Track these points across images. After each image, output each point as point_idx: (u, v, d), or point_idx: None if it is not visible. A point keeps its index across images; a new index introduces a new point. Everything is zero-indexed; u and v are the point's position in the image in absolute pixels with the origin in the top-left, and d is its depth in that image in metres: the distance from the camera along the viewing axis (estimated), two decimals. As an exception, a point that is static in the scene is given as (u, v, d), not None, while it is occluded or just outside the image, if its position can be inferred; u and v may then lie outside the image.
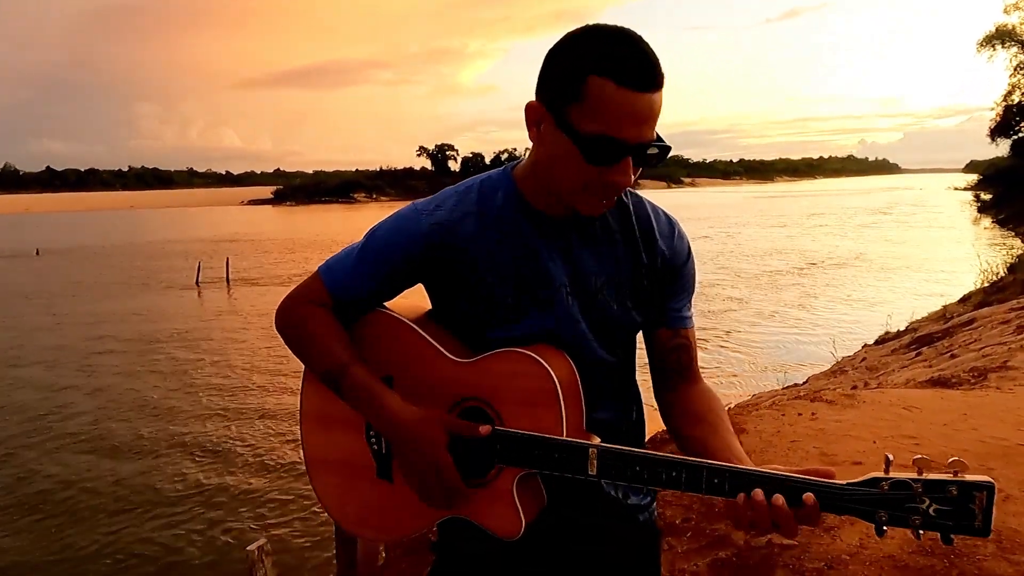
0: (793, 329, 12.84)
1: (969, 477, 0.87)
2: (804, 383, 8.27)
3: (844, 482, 0.93)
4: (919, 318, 11.01)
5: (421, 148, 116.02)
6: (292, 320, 1.20)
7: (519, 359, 1.09)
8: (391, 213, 1.20)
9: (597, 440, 1.06)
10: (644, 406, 1.32)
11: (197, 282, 19.83)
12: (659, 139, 1.04)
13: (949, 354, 7.12)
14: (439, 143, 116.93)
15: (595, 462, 1.03)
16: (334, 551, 3.52)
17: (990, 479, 0.87)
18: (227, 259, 21.26)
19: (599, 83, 0.98)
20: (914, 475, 0.90)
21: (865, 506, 0.91)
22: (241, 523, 5.76)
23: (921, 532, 0.90)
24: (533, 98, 1.07)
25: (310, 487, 1.30)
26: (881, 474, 0.91)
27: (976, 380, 4.95)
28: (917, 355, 8.12)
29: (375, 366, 1.17)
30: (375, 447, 1.20)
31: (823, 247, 26.32)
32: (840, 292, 16.57)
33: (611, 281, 1.18)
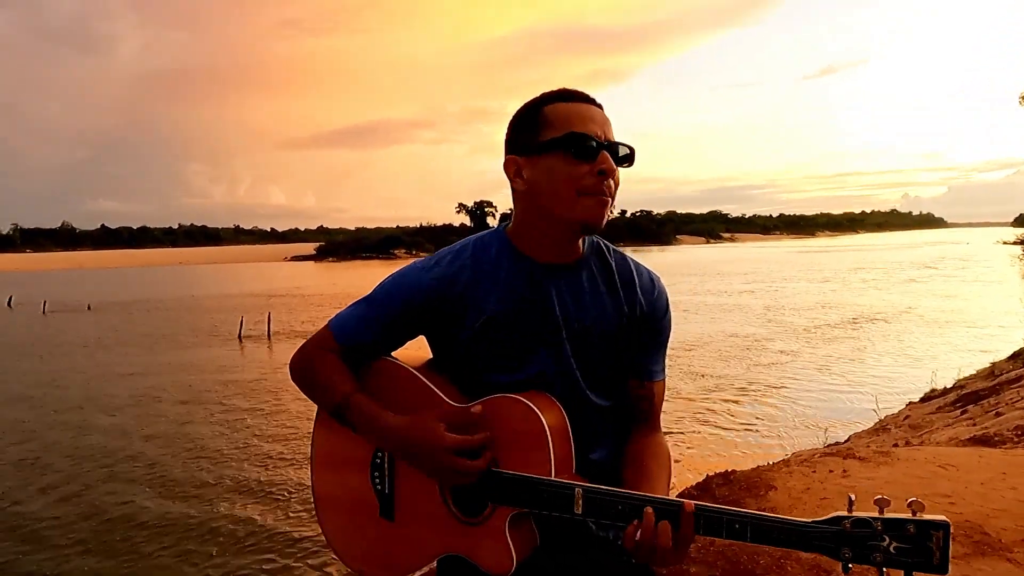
0: (837, 385, 12.53)
1: (926, 516, 0.91)
2: (845, 441, 8.06)
3: (810, 520, 0.96)
4: (967, 375, 10.69)
5: (460, 205, 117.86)
6: (304, 364, 1.30)
7: (511, 404, 1.15)
8: (396, 269, 1.31)
9: (585, 482, 1.11)
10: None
11: (240, 336, 20.24)
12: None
13: (995, 412, 6.90)
14: (478, 200, 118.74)
15: (580, 502, 1.08)
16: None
17: (946, 519, 0.90)
18: (268, 314, 21.70)
19: (551, 107, 1.17)
20: (875, 514, 0.93)
21: (830, 543, 0.94)
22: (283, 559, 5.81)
23: (884, 570, 0.92)
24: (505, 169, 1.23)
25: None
26: (844, 513, 0.94)
27: (1020, 439, 4.79)
28: (963, 413, 7.87)
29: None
30: (378, 487, 1.26)
31: (869, 301, 25.79)
32: (886, 347, 16.17)
33: (598, 328, 1.25)
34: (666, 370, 1.36)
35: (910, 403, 9.84)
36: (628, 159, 1.20)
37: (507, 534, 1.14)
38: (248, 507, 7.15)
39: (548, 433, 1.11)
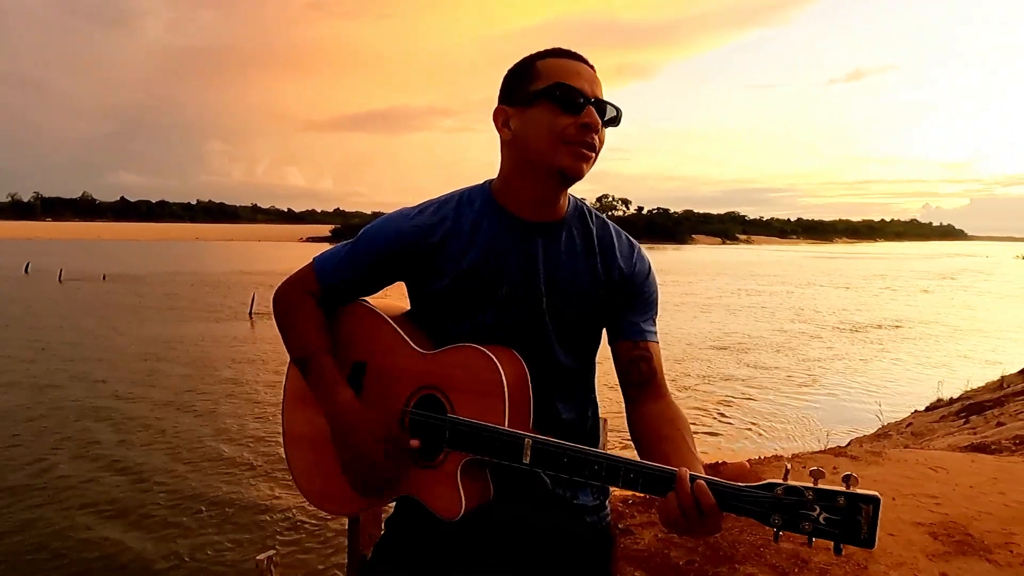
0: (843, 391, 12.48)
1: (858, 490, 0.91)
2: (846, 445, 8.04)
3: (743, 484, 0.97)
4: (975, 387, 10.61)
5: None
6: (283, 306, 1.33)
7: (472, 353, 1.18)
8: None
9: (537, 435, 1.12)
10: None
11: (251, 313, 20.39)
12: None
13: (996, 422, 6.86)
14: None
15: (529, 452, 1.10)
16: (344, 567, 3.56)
17: (877, 494, 0.90)
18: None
19: (544, 61, 1.20)
20: (808, 484, 0.93)
21: (760, 508, 0.95)
22: (251, 535, 5.88)
23: (813, 540, 0.92)
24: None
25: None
26: (778, 480, 0.95)
27: (1017, 447, 4.76)
28: (965, 423, 7.82)
29: (352, 351, 1.29)
30: None
31: (883, 309, 25.62)
32: (897, 355, 16.05)
33: (571, 288, 1.26)
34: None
35: (915, 412, 9.79)
36: (614, 120, 1.22)
37: (459, 480, 1.16)
38: (211, 477, 7.23)
39: (505, 384, 1.13)
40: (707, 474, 1.01)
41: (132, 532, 5.89)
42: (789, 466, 0.96)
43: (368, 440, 1.20)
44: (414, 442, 1.19)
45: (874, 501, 0.89)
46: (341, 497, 1.30)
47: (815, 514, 0.91)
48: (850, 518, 0.90)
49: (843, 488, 0.91)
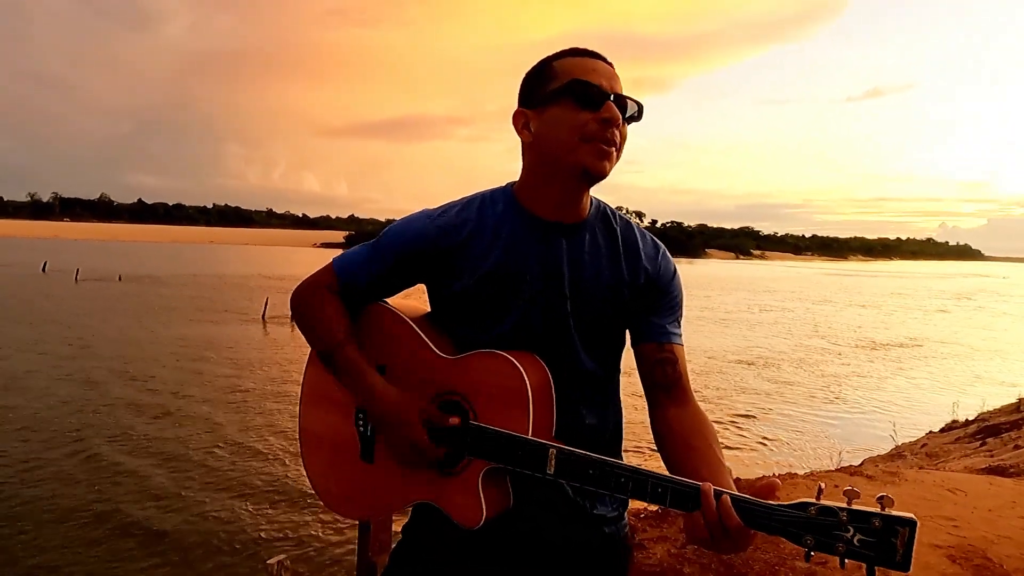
0: (858, 410, 12.36)
1: (894, 512, 0.89)
2: (859, 465, 7.95)
3: (775, 503, 0.95)
4: (991, 408, 10.48)
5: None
6: (304, 301, 1.31)
7: (497, 360, 1.15)
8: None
9: (562, 445, 1.10)
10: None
11: (264, 317, 20.47)
12: None
13: (1014, 445, 6.76)
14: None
15: (553, 462, 1.08)
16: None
17: (913, 516, 0.88)
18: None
19: (561, 61, 1.19)
20: (842, 504, 0.91)
21: (793, 528, 0.92)
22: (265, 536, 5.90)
23: (846, 561, 0.90)
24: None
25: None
26: (811, 500, 0.93)
27: (1035, 472, 4.68)
28: (982, 445, 7.72)
29: (373, 354, 1.26)
30: (361, 429, 1.28)
31: (901, 328, 25.38)
32: (912, 375, 15.89)
33: (596, 289, 1.23)
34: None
35: (929, 432, 9.67)
36: (636, 116, 1.20)
37: (480, 488, 1.14)
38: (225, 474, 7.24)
39: (530, 392, 1.12)
40: (736, 489, 0.99)
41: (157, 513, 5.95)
42: (823, 485, 0.94)
43: (411, 415, 1.18)
44: (454, 420, 1.16)
45: (911, 524, 0.87)
46: (355, 499, 1.29)
47: (849, 535, 0.89)
48: (885, 540, 0.88)
49: (878, 509, 0.89)
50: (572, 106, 1.15)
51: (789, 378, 14.94)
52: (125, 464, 7.60)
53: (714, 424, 1.26)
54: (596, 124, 1.14)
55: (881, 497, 0.89)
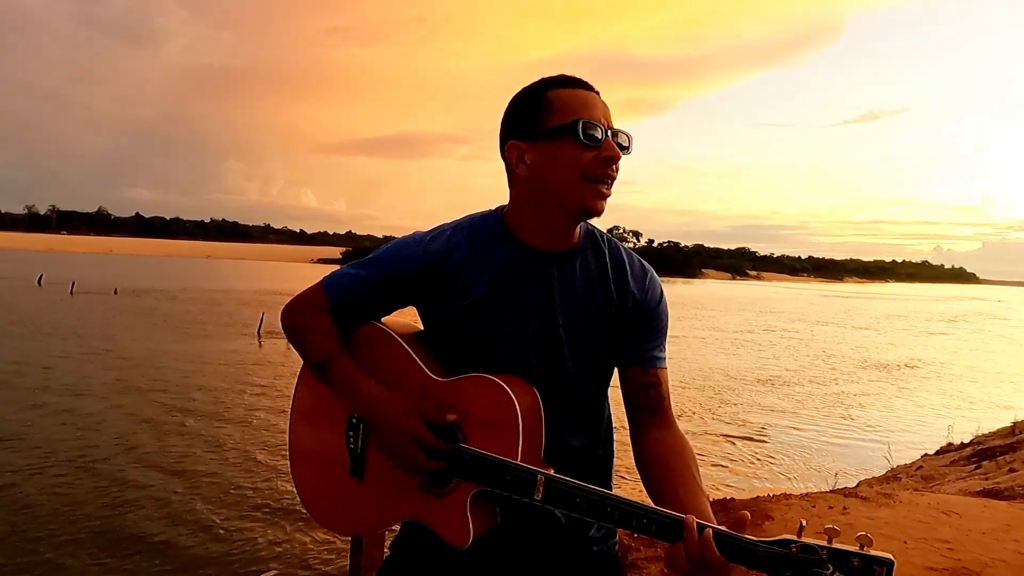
0: (853, 431, 12.35)
1: (873, 552, 0.90)
2: (856, 487, 7.93)
3: (757, 538, 0.96)
4: (986, 431, 10.48)
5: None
6: (294, 318, 1.31)
7: (487, 384, 1.15)
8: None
9: (551, 471, 1.10)
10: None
11: (259, 332, 20.41)
12: None
13: (1009, 468, 6.75)
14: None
15: (541, 488, 1.08)
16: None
17: (891, 557, 0.90)
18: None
19: (555, 93, 1.18)
20: (823, 542, 0.93)
21: (774, 564, 0.94)
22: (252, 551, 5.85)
23: None
24: (503, 153, 1.22)
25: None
26: (793, 536, 0.94)
27: (1030, 495, 4.67)
28: (977, 468, 7.71)
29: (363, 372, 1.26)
30: (351, 446, 1.27)
31: (900, 350, 25.41)
32: (909, 397, 15.89)
33: (588, 316, 1.24)
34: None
35: (924, 455, 9.65)
36: (628, 148, 1.20)
37: (468, 510, 1.14)
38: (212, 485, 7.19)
39: (520, 417, 1.12)
40: (715, 510, 1.01)
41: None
42: (804, 522, 0.95)
43: (410, 417, 1.17)
44: (451, 416, 1.16)
45: (888, 564, 0.89)
46: (344, 516, 1.29)
47: (828, 573, 0.91)
48: None
49: (857, 549, 0.91)
50: (575, 144, 1.15)
51: (797, 396, 14.98)
52: (113, 476, 7.55)
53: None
54: (598, 162, 1.15)
55: (860, 536, 0.91)
